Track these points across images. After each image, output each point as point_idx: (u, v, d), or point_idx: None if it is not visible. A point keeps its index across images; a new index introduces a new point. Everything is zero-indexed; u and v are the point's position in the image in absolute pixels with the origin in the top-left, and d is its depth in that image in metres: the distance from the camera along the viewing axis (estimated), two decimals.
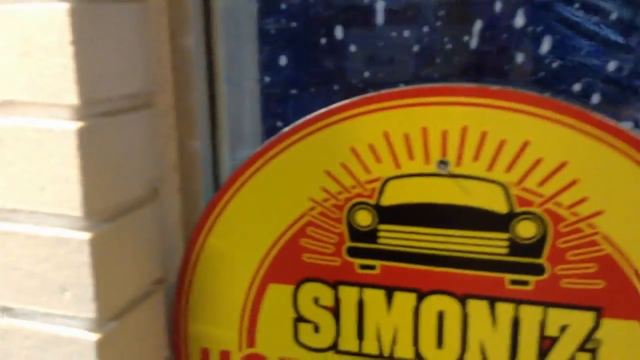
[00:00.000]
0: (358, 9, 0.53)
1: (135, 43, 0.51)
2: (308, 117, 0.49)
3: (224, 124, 0.57)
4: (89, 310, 0.49)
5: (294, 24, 0.56)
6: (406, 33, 0.51)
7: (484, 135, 0.46)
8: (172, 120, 0.55)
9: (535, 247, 0.47)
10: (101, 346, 0.50)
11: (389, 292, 0.51)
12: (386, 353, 0.52)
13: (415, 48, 0.51)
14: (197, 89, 0.55)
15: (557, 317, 0.47)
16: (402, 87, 0.47)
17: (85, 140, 0.46)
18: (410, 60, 0.53)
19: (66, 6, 0.44)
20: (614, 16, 0.46)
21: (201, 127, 0.56)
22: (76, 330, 0.50)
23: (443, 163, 0.47)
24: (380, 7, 0.51)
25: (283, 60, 0.56)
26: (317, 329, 0.54)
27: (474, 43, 0.48)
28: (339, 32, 0.53)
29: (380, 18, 0.51)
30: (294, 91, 0.57)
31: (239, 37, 0.57)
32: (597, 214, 0.45)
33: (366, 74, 0.53)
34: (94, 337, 0.50)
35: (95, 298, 0.49)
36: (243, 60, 0.57)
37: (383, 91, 0.47)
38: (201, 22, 0.54)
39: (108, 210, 0.50)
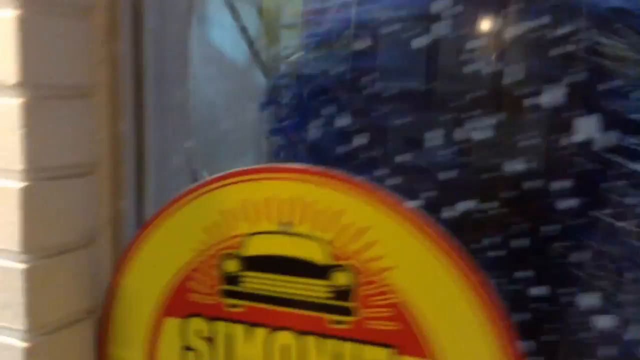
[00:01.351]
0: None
1: (78, 127, 0.69)
2: (190, 186, 0.66)
3: (149, 189, 0.74)
4: (22, 324, 0.65)
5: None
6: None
7: (307, 204, 0.60)
8: (107, 186, 0.73)
9: (347, 294, 0.59)
10: (29, 353, 0.66)
11: (250, 327, 0.64)
12: None
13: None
14: (128, 163, 0.73)
15: (367, 352, 0.59)
16: (253, 167, 0.62)
17: (27, 196, 0.64)
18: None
19: (18, 102, 0.63)
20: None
21: (129, 191, 0.73)
22: (13, 340, 0.66)
23: (282, 224, 0.61)
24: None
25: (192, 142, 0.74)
26: (199, 356, 0.67)
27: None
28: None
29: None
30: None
31: (167, 126, 0.75)
32: (389, 269, 0.57)
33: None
34: (23, 345, 0.66)
35: (27, 315, 0.65)
36: (169, 143, 0.75)
37: (239, 169, 0.63)
38: (133, 112, 0.73)
39: (45, 249, 0.67)
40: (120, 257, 0.70)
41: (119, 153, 0.72)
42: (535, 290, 0.54)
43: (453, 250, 0.55)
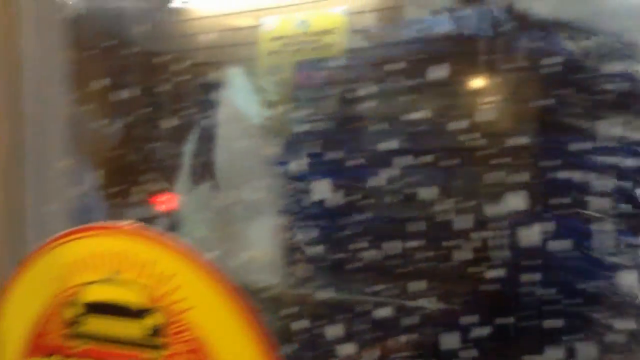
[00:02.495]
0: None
1: None
2: (47, 240, 0.77)
3: (27, 243, 0.86)
4: None
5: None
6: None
7: (128, 256, 0.71)
8: None
9: (158, 332, 0.70)
10: None
11: None
12: None
13: None
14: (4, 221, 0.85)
15: None
16: (87, 225, 0.74)
17: None
18: None
19: None
20: None
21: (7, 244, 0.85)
22: None
23: (109, 274, 0.72)
24: None
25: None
26: None
27: None
28: None
29: None
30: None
31: (46, 191, 0.87)
32: (190, 309, 0.68)
33: None
34: None
35: None
36: (47, 204, 0.87)
37: (78, 227, 0.74)
38: (14, 182, 0.86)
39: None
40: None
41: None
42: (298, 325, 0.64)
43: (235, 293, 0.66)
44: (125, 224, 0.72)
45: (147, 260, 0.70)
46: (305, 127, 0.90)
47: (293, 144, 0.89)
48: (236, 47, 1.43)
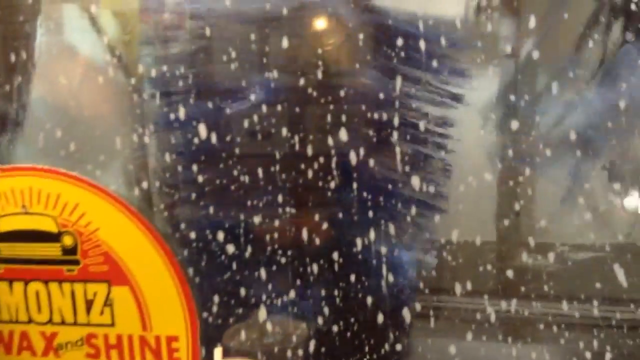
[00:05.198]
0: None
1: None
2: None
3: None
4: None
5: None
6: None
7: (36, 191, 0.85)
8: None
9: (73, 250, 0.86)
10: None
11: (10, 283, 0.89)
12: (14, 319, 0.90)
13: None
14: None
15: (92, 288, 0.86)
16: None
17: None
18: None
19: None
20: None
21: None
22: None
23: (23, 207, 0.86)
24: None
25: None
26: None
27: None
28: None
29: None
30: None
31: None
32: (97, 229, 0.85)
33: None
34: None
35: None
36: None
37: None
38: None
39: None
40: None
41: None
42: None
43: (132, 212, 0.83)
44: (27, 165, 0.86)
45: (54, 193, 0.85)
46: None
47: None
48: None
